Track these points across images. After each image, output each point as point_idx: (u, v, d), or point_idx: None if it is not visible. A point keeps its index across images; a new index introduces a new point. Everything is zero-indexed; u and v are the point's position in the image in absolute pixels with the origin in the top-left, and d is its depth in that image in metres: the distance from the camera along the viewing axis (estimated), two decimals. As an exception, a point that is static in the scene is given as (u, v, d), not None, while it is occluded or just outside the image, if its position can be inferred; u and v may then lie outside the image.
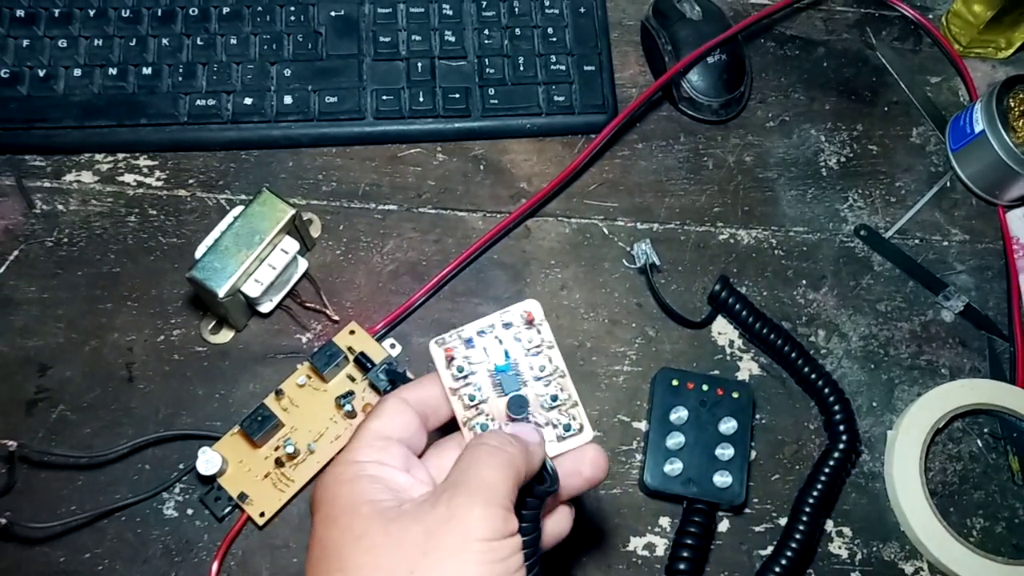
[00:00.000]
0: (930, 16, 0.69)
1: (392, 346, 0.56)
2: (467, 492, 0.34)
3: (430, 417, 0.39)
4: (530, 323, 0.40)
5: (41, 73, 0.60)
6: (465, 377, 0.40)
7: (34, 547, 0.51)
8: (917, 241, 0.62)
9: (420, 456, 0.39)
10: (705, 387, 0.54)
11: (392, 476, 0.36)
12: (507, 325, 0.40)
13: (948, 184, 0.64)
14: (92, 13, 0.61)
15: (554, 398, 0.40)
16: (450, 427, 0.41)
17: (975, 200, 0.63)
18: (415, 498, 0.35)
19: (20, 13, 0.61)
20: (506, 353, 0.40)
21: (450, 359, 0.40)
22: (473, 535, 0.33)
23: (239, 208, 0.54)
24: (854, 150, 0.64)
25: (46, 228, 0.58)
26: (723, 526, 0.53)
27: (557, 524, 0.40)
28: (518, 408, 0.39)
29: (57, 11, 0.61)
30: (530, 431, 0.38)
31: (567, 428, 0.40)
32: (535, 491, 0.37)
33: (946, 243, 0.62)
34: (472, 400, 0.39)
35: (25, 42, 0.60)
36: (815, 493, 0.52)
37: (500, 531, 0.33)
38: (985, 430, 0.57)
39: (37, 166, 0.60)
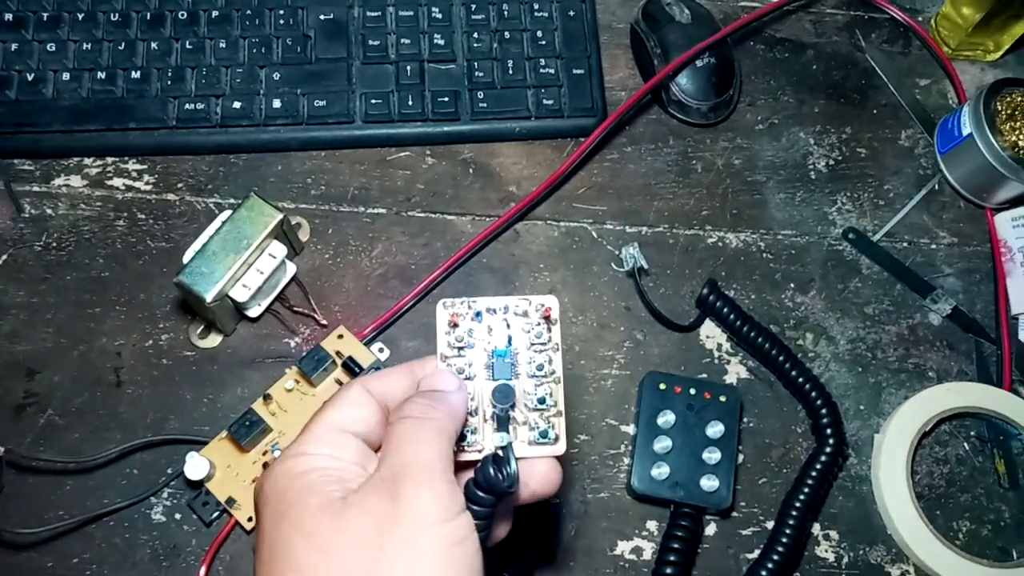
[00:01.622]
0: (919, 19, 0.69)
1: (380, 350, 0.56)
2: (408, 476, 0.33)
3: (392, 409, 0.38)
4: (546, 319, 0.40)
5: (30, 77, 0.60)
6: (461, 349, 0.39)
7: (21, 553, 0.51)
8: (905, 244, 0.62)
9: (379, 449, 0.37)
10: (693, 391, 0.54)
11: (341, 468, 0.34)
12: (520, 313, 0.40)
13: (936, 187, 0.64)
14: (81, 17, 0.61)
15: (541, 400, 0.39)
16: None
17: (963, 203, 0.63)
18: (358, 487, 0.33)
19: (8, 17, 0.61)
20: (509, 339, 0.39)
21: (453, 325, 0.39)
22: (426, 521, 0.32)
23: (227, 213, 0.54)
24: (843, 153, 0.64)
25: (35, 232, 0.58)
26: (710, 529, 0.54)
27: (497, 529, 0.39)
28: (503, 397, 0.38)
29: (46, 15, 0.61)
30: (445, 378, 0.37)
31: (543, 435, 0.39)
32: (493, 487, 0.35)
33: (934, 246, 0.62)
34: (460, 373, 0.39)
35: (13, 46, 0.60)
36: (802, 496, 0.52)
37: (451, 509, 0.33)
38: (972, 433, 0.57)
39: (26, 170, 0.60)
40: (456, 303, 0.39)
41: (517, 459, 0.36)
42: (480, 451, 0.38)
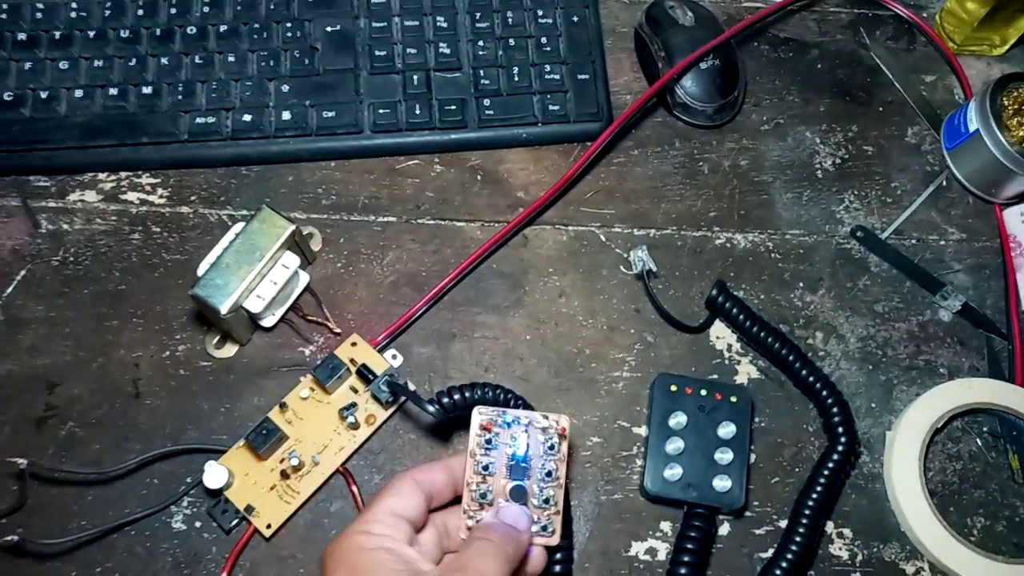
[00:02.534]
0: (924, 15, 0.70)
1: (394, 357, 0.57)
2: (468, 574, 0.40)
3: (434, 499, 0.45)
4: (561, 436, 0.47)
5: (43, 95, 0.61)
6: (488, 450, 0.46)
7: (46, 563, 0.51)
8: (914, 241, 0.62)
9: (420, 530, 0.45)
10: (704, 392, 0.55)
11: (403, 550, 0.42)
12: (540, 427, 0.47)
13: (944, 183, 0.64)
14: (92, 35, 0.62)
15: (546, 500, 0.46)
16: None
17: (971, 199, 0.63)
18: (426, 572, 0.41)
19: (22, 36, 0.62)
20: (528, 447, 0.46)
21: (486, 429, 0.46)
22: None
23: (240, 225, 0.54)
24: (849, 151, 0.65)
25: (52, 247, 0.59)
26: (724, 529, 0.54)
27: None
28: (518, 496, 0.46)
29: (58, 33, 0.62)
30: (522, 518, 0.45)
31: (543, 528, 0.46)
32: None
33: (943, 242, 0.62)
34: (485, 470, 0.46)
35: (27, 65, 0.61)
36: (815, 495, 0.53)
37: None
38: (984, 429, 0.57)
39: (42, 186, 0.61)
40: (490, 412, 0.47)
41: None
42: None
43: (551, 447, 0.46)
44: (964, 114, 0.62)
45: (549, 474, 0.46)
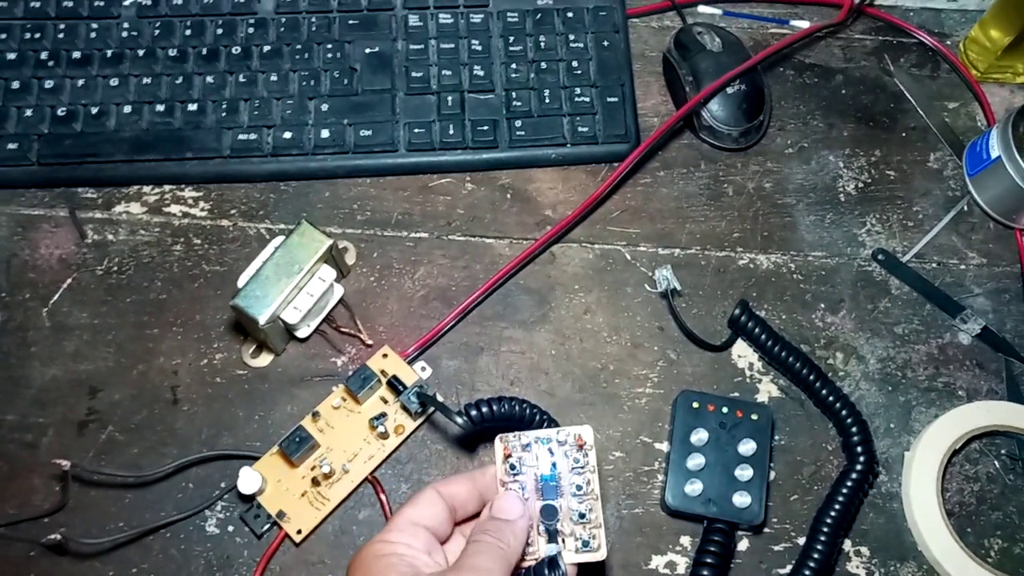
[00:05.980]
0: (947, 42, 0.71)
1: (423, 369, 0.58)
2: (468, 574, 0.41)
3: (458, 510, 0.46)
4: (580, 447, 0.46)
5: (94, 111, 0.63)
6: (516, 475, 0.46)
7: (85, 561, 0.53)
8: (934, 265, 0.63)
9: (445, 541, 0.46)
10: (725, 409, 0.56)
11: (416, 556, 0.43)
12: (561, 442, 0.46)
13: (965, 208, 0.65)
14: (141, 53, 0.65)
15: (582, 515, 0.45)
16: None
17: (992, 224, 0.64)
18: (429, 573, 0.42)
19: (76, 55, 0.65)
20: (553, 465, 0.46)
21: (507, 456, 0.46)
22: None
23: (279, 239, 0.56)
24: (872, 175, 0.66)
25: (97, 257, 0.61)
26: (742, 545, 0.55)
27: None
28: (549, 516, 0.45)
29: (110, 52, 0.65)
30: (513, 506, 0.44)
31: (586, 544, 0.45)
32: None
33: (963, 267, 0.63)
34: None
35: (80, 82, 0.64)
36: (833, 513, 0.54)
37: None
38: (1002, 451, 0.58)
39: (89, 198, 0.63)
40: (509, 437, 0.47)
41: (566, 564, 0.44)
42: (536, 558, 0.45)
43: (576, 460, 0.46)
44: (986, 141, 0.63)
45: (580, 488, 0.46)
